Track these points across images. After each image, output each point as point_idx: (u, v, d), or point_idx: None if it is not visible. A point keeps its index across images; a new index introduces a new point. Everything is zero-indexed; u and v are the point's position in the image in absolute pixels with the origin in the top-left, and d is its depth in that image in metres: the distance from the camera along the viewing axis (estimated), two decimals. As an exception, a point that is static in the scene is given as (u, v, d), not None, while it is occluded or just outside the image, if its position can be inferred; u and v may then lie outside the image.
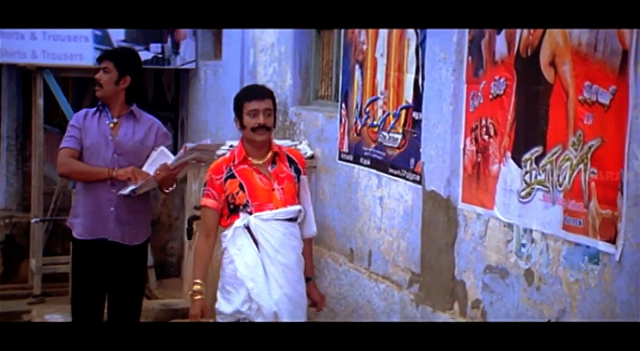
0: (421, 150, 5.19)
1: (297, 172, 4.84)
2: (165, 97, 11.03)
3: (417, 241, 5.26)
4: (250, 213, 4.67)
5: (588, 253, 3.89)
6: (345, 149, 6.22)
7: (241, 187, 4.69)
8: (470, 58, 4.76)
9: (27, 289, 9.77)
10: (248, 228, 4.66)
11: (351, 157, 6.14)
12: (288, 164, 4.81)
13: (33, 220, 9.66)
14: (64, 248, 9.95)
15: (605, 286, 3.80)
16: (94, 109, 5.51)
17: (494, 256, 4.56)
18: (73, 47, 8.96)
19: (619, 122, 3.67)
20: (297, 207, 4.77)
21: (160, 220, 10.20)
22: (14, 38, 8.71)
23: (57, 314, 7.29)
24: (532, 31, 4.24)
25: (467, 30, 4.77)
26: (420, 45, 5.24)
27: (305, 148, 6.69)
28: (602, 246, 3.79)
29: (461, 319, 4.81)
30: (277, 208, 4.69)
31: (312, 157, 6.64)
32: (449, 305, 4.94)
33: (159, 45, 9.43)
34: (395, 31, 5.55)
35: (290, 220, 4.74)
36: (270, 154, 4.78)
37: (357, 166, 6.07)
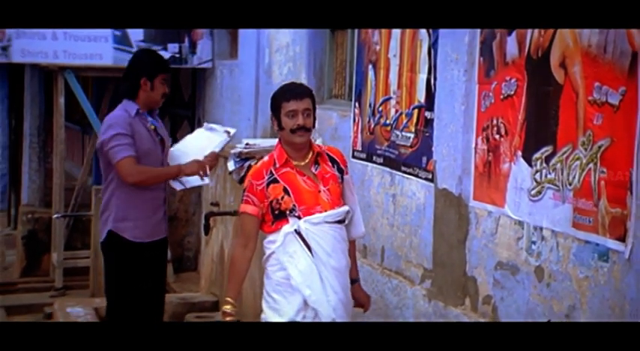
0: (433, 149, 5.19)
1: (340, 171, 4.47)
2: (182, 95, 11.04)
3: (429, 238, 5.25)
4: (299, 217, 4.29)
5: (598, 250, 3.88)
6: (359, 147, 6.21)
7: (286, 191, 4.29)
8: (481, 59, 4.74)
9: (49, 283, 9.82)
10: (299, 233, 4.29)
11: (364, 156, 6.13)
12: (330, 164, 4.44)
13: (54, 216, 9.69)
14: (84, 243, 10.01)
15: (615, 283, 3.79)
16: (132, 113, 5.29)
17: (504, 252, 4.55)
18: (93, 47, 8.99)
19: (628, 122, 3.66)
20: (345, 208, 4.41)
21: (178, 216, 10.21)
22: (36, 39, 8.73)
23: (78, 307, 7.31)
24: (542, 32, 4.22)
25: (478, 31, 4.76)
26: (433, 46, 5.23)
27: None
28: (612, 244, 3.78)
29: (472, 315, 4.80)
30: (325, 210, 4.32)
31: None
32: (460, 301, 4.93)
33: (176, 45, 9.45)
34: (408, 32, 5.54)
35: (339, 222, 4.38)
36: (311, 155, 4.39)
37: (370, 164, 6.06)
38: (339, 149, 4.70)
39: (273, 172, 4.34)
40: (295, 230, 4.29)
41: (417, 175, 5.44)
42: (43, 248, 10.42)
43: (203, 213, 7.50)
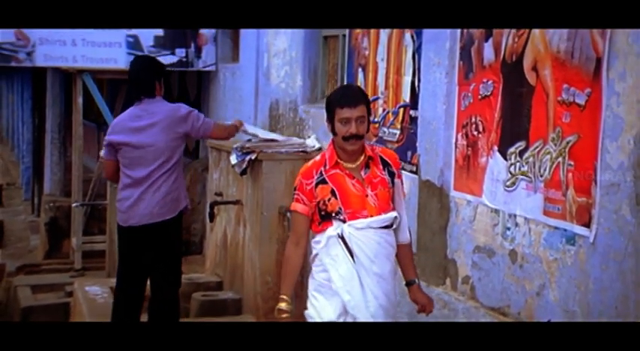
0: (417, 144, 5.18)
1: (391, 175, 3.95)
2: (189, 95, 11.00)
3: (414, 225, 5.23)
4: (344, 221, 3.85)
5: (566, 235, 3.89)
6: (349, 143, 6.18)
7: (333, 193, 3.85)
8: (461, 62, 4.74)
9: (69, 264, 9.79)
10: (342, 237, 3.85)
11: (354, 150, 6.11)
12: (382, 167, 3.93)
13: (74, 205, 9.66)
14: (101, 229, 9.99)
15: (580, 264, 3.80)
16: None
17: (482, 238, 4.55)
18: (108, 52, 8.96)
19: (593, 120, 3.67)
20: (393, 214, 3.91)
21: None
22: (57, 45, 8.71)
23: (95, 286, 7.27)
24: (516, 39, 4.22)
25: (458, 37, 4.76)
26: (417, 51, 5.22)
27: (314, 142, 6.68)
28: (578, 229, 3.80)
29: (452, 293, 4.80)
30: (371, 215, 3.85)
31: (319, 149, 6.62)
32: (441, 281, 4.93)
33: (183, 50, 9.41)
34: (394, 38, 5.53)
35: (385, 227, 3.90)
36: (362, 158, 3.89)
37: (359, 157, 6.04)
38: (393, 152, 4.23)
39: (323, 173, 3.90)
40: (338, 234, 3.86)
41: (402, 168, 5.42)
42: (63, 233, 10.39)
43: (208, 202, 7.49)
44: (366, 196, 3.86)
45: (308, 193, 3.90)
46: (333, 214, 3.86)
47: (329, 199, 3.86)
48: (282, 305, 3.92)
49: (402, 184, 4.07)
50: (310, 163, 4.00)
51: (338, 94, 3.90)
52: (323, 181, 3.88)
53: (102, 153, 5.79)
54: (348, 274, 3.85)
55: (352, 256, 3.85)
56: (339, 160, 3.89)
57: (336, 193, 3.85)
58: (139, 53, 8.75)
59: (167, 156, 5.42)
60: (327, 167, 3.89)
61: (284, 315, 3.91)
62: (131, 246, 5.57)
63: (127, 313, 5.60)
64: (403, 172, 5.36)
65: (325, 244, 3.89)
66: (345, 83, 5.96)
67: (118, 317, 5.64)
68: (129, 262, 5.60)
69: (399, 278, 4.08)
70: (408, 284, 4.06)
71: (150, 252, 5.52)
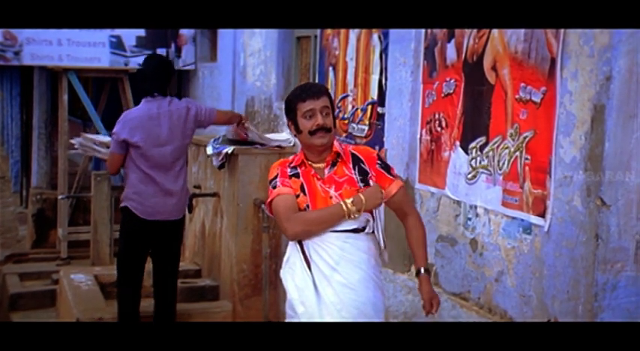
0: (384, 139, 5.17)
1: (364, 173, 3.42)
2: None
3: (380, 215, 5.22)
4: None
5: (522, 225, 3.90)
6: (321, 138, 6.17)
7: (302, 189, 3.36)
8: (425, 62, 4.74)
9: (55, 253, 9.70)
10: (300, 243, 3.36)
11: (325, 145, 6.09)
12: (351, 165, 3.42)
13: (59, 197, 9.58)
14: (85, 220, 9.91)
15: (536, 252, 3.82)
16: None
17: (445, 227, 4.56)
18: (92, 52, 8.89)
19: (548, 117, 3.69)
20: (359, 216, 3.36)
21: (166, 197, 10.12)
22: (44, 44, 8.63)
23: (80, 274, 7.21)
24: (477, 40, 4.23)
25: (423, 38, 4.75)
26: (384, 51, 5.21)
27: (288, 137, 6.66)
28: (534, 219, 3.81)
29: (416, 280, 4.79)
30: None
31: (293, 145, 6.61)
32: (406, 268, 4.94)
33: (164, 49, 9.35)
34: (362, 38, 5.52)
35: (354, 231, 3.38)
36: (329, 156, 3.43)
37: (330, 152, 6.02)
38: (369, 148, 3.68)
39: (297, 167, 3.44)
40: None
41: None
42: (50, 224, 10.30)
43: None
44: (330, 197, 3.36)
45: (289, 181, 3.41)
46: None
47: (298, 195, 3.37)
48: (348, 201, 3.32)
49: (389, 172, 3.53)
50: (280, 160, 3.57)
51: (297, 90, 3.45)
52: (297, 175, 3.41)
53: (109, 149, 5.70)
54: (302, 284, 3.35)
55: (309, 263, 3.35)
56: (306, 160, 3.44)
57: (306, 189, 3.38)
58: (122, 53, 8.70)
59: (180, 154, 5.54)
60: (293, 164, 3.45)
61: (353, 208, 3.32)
62: (146, 238, 5.47)
63: (132, 300, 5.54)
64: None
65: (288, 251, 3.45)
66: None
67: (124, 305, 5.54)
68: (135, 253, 5.51)
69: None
70: (416, 273, 3.62)
71: (163, 244, 5.53)
